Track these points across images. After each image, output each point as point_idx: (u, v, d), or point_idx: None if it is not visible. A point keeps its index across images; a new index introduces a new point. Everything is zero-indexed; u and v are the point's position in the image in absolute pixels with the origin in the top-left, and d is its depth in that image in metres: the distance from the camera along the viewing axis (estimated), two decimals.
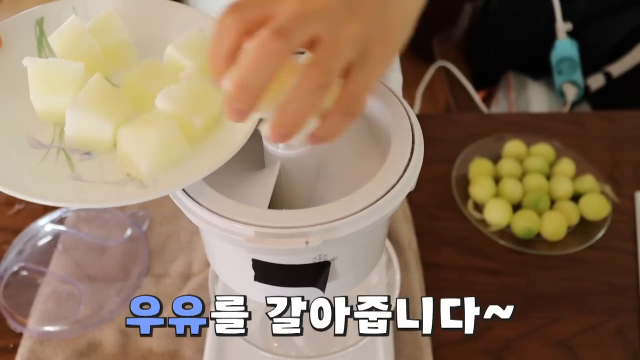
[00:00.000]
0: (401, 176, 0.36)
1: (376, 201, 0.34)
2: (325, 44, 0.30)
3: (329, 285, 0.39)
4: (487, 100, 1.23)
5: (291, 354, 0.55)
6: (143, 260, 0.65)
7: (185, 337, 0.59)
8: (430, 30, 1.30)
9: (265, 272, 0.38)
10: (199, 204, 0.34)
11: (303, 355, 0.56)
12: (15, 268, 0.65)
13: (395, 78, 0.43)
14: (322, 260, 0.37)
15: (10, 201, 0.72)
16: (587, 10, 1.10)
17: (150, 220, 0.70)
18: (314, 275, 0.38)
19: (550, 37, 1.14)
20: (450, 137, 0.80)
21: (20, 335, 0.60)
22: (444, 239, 0.69)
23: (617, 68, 1.22)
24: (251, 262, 0.37)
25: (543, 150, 0.75)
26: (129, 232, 0.68)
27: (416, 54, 1.26)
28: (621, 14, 1.10)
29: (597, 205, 0.68)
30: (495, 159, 0.75)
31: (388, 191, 0.35)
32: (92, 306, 0.62)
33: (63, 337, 0.59)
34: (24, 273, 0.65)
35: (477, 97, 1.12)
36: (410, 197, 0.71)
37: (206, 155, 0.35)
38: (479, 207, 0.70)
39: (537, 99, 1.17)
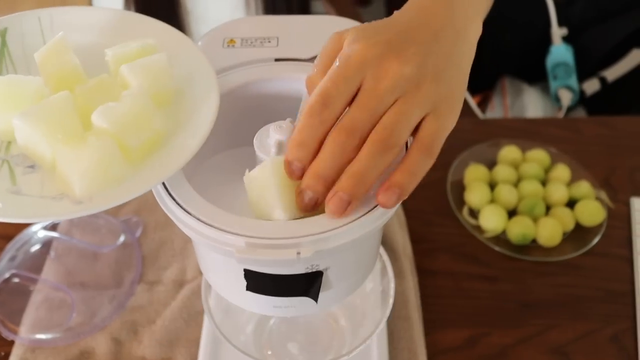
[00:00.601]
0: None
1: (368, 212, 0.34)
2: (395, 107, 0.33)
3: (321, 295, 0.39)
4: (482, 104, 1.23)
5: None
6: (136, 267, 0.65)
7: (178, 345, 0.58)
8: None
9: (257, 282, 0.37)
10: (189, 213, 0.34)
11: None
12: (7, 275, 0.64)
13: None
14: (314, 270, 0.37)
15: None
16: (582, 16, 1.10)
17: (143, 227, 0.69)
18: (306, 285, 0.37)
19: (545, 42, 1.13)
20: (445, 142, 0.79)
21: (11, 343, 0.60)
22: (439, 245, 0.68)
23: (612, 73, 1.22)
24: (243, 273, 0.37)
25: (538, 156, 0.74)
26: (122, 238, 0.67)
27: None
28: (616, 19, 1.10)
29: (592, 211, 0.68)
30: (491, 164, 0.75)
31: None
32: (84, 314, 0.61)
33: (55, 345, 0.59)
34: (16, 280, 0.64)
35: (472, 102, 1.11)
36: (405, 203, 0.71)
37: (147, 174, 0.34)
38: (474, 213, 0.70)
39: (532, 103, 1.17)
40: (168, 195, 0.35)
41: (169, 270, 0.65)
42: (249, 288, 0.38)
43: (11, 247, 0.67)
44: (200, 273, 0.64)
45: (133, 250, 0.67)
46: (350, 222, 0.33)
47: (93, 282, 0.64)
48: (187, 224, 0.34)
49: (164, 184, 0.35)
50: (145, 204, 0.71)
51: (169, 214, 0.35)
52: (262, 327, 0.58)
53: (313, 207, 0.33)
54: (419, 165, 0.33)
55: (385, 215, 0.34)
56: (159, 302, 0.62)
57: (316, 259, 0.35)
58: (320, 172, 0.32)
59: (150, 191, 0.68)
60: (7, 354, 0.59)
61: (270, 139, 0.37)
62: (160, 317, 0.61)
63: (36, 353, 0.58)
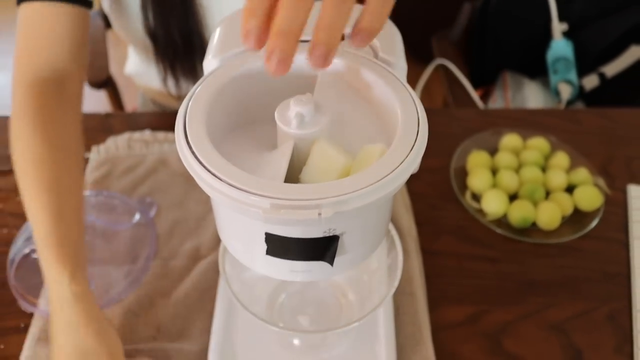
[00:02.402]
0: (407, 156, 0.38)
1: (384, 177, 0.36)
2: None
3: (336, 259, 0.41)
4: (484, 98, 1.26)
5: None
6: (151, 245, 0.67)
7: (192, 317, 0.61)
8: (429, 29, 1.33)
9: (277, 246, 0.40)
10: (217, 177, 0.36)
11: (308, 330, 0.58)
12: (26, 251, 0.66)
13: (400, 68, 0.46)
14: (331, 234, 0.39)
15: None
16: (582, 12, 1.13)
17: (157, 207, 0.71)
18: (323, 249, 0.40)
19: (546, 37, 1.16)
20: (449, 131, 0.82)
21: (31, 315, 0.62)
22: (442, 227, 0.71)
23: (611, 69, 1.25)
24: (264, 236, 0.39)
25: (539, 144, 0.77)
26: (137, 217, 0.70)
27: (415, 53, 1.28)
28: (615, 16, 1.13)
29: (590, 196, 0.71)
30: (493, 151, 0.77)
31: (394, 169, 0.37)
32: (101, 288, 0.63)
33: None
34: (35, 256, 0.67)
35: (474, 95, 1.14)
36: (410, 187, 0.74)
37: None
38: (476, 198, 0.73)
39: (533, 97, 1.20)
40: (198, 163, 0.37)
41: (183, 247, 0.67)
42: (269, 252, 0.41)
43: (29, 226, 0.69)
44: (214, 249, 0.66)
45: (148, 228, 0.69)
46: (367, 187, 0.36)
47: (109, 258, 0.66)
48: (214, 187, 0.36)
49: (194, 152, 0.38)
50: (159, 187, 0.73)
51: (197, 179, 0.38)
52: (274, 302, 0.60)
53: (283, 69, 0.34)
54: (381, 5, 0.35)
55: (398, 180, 0.37)
56: (173, 277, 0.65)
57: (334, 222, 0.38)
58: (284, 29, 0.33)
59: (164, 175, 0.70)
60: (27, 326, 0.61)
61: (291, 111, 0.40)
62: (175, 290, 0.63)
63: None
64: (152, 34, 0.76)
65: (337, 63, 0.44)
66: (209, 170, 0.37)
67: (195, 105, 0.40)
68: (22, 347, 0.59)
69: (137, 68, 0.94)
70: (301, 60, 0.38)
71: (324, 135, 0.40)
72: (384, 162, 0.37)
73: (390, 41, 0.46)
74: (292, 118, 0.40)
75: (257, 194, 0.35)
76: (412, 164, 0.38)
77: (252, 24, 0.34)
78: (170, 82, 0.83)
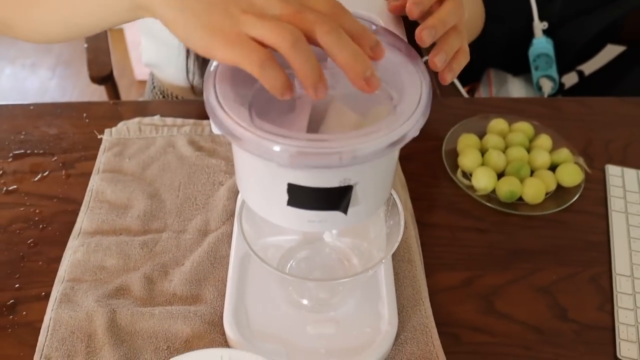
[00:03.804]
0: (412, 113, 0.43)
1: (393, 130, 0.42)
2: None
3: (350, 210, 0.46)
4: (470, 94, 1.32)
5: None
6: (162, 219, 0.71)
7: (206, 283, 0.65)
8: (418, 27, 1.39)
9: (298, 197, 0.44)
10: (246, 129, 0.41)
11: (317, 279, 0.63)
12: None
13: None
14: (346, 184, 0.44)
15: (34, 170, 0.78)
16: (562, 11, 1.20)
17: (166, 186, 0.75)
18: (339, 198, 0.45)
19: (528, 36, 1.23)
20: (439, 117, 0.87)
21: (51, 285, 0.65)
22: (436, 202, 0.76)
23: (589, 67, 1.33)
24: (286, 187, 0.44)
25: (523, 127, 0.83)
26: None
27: None
28: (592, 15, 1.20)
29: (571, 173, 0.76)
30: (481, 135, 0.83)
31: (402, 124, 0.42)
32: (118, 256, 0.67)
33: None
34: None
35: (463, 91, 1.20)
36: (405, 167, 0.79)
37: None
38: (467, 175, 0.78)
39: (516, 92, 1.26)
40: (229, 118, 0.42)
41: (194, 222, 0.71)
42: (290, 203, 0.45)
43: None
44: (223, 223, 0.70)
45: (159, 203, 0.73)
46: (379, 136, 0.41)
47: (125, 230, 0.70)
48: (244, 137, 0.41)
49: (224, 110, 0.42)
50: (168, 167, 0.77)
51: (224, 133, 0.42)
52: (283, 269, 0.64)
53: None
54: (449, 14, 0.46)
55: (403, 134, 0.42)
56: (185, 248, 0.68)
57: (350, 171, 0.42)
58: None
59: (172, 156, 0.74)
60: (48, 294, 0.65)
61: None
62: (188, 260, 0.67)
63: (75, 289, 0.64)
64: None
65: None
66: (240, 125, 0.41)
67: (223, 70, 0.45)
68: (44, 313, 0.62)
69: (156, 59, 0.99)
70: None
71: (339, 97, 0.45)
72: (392, 118, 0.42)
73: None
74: None
75: (284, 143, 0.40)
76: (418, 121, 0.43)
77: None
78: (196, 77, 0.86)
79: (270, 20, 0.39)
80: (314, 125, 0.45)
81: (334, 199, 0.45)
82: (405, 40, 0.50)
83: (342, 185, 0.44)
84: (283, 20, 0.40)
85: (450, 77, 0.49)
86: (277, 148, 0.40)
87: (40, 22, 0.58)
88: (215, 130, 0.45)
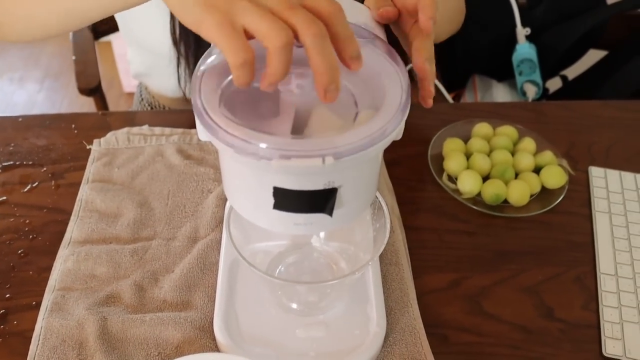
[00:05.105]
0: (392, 116, 0.44)
1: (374, 132, 0.43)
2: None
3: (335, 212, 0.47)
4: (456, 100, 1.33)
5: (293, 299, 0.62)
6: (152, 227, 0.72)
7: (196, 290, 0.65)
8: None
9: (284, 200, 0.45)
10: (233, 135, 0.42)
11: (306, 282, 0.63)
12: None
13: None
14: (330, 186, 0.45)
15: (24, 181, 0.78)
16: (544, 18, 1.22)
17: (155, 195, 0.76)
18: (324, 200, 0.45)
19: (512, 42, 1.25)
20: (425, 122, 0.89)
21: (41, 294, 0.66)
22: (423, 206, 0.77)
23: (572, 72, 1.35)
24: (272, 190, 0.45)
25: (507, 131, 0.84)
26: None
27: None
28: (574, 20, 1.22)
29: (555, 175, 0.78)
30: (466, 139, 0.84)
31: (382, 126, 0.43)
32: (109, 264, 0.68)
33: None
34: None
35: (448, 97, 1.21)
36: (391, 172, 0.80)
37: None
38: (452, 179, 0.79)
39: (501, 98, 1.28)
40: (214, 124, 0.42)
41: (183, 229, 0.72)
42: (276, 206, 0.46)
43: None
44: (212, 230, 0.71)
45: (148, 211, 0.73)
46: (361, 138, 0.42)
47: (114, 238, 0.71)
48: (229, 142, 0.42)
49: (210, 116, 0.43)
50: (157, 176, 0.78)
51: (212, 137, 0.43)
52: (272, 272, 0.65)
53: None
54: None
55: (385, 135, 0.43)
56: (175, 255, 0.69)
57: (333, 173, 0.43)
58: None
59: (160, 165, 0.75)
60: (38, 303, 0.65)
61: (292, 83, 0.46)
62: (178, 266, 0.68)
63: (66, 298, 0.64)
64: (177, 42, 0.83)
65: None
66: (226, 131, 0.42)
67: (208, 78, 0.46)
68: (35, 322, 0.63)
69: (144, 69, 1.00)
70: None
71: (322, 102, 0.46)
72: (374, 121, 0.44)
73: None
74: (294, 88, 0.46)
75: (268, 147, 0.41)
76: (398, 122, 0.44)
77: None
78: (188, 84, 0.88)
79: (266, 13, 0.40)
80: (298, 130, 0.46)
81: (319, 201, 0.46)
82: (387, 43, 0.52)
83: (327, 187, 0.45)
84: (275, 11, 0.40)
85: (430, 69, 0.51)
86: (260, 153, 0.41)
87: (39, 15, 0.61)
88: (202, 137, 0.45)
